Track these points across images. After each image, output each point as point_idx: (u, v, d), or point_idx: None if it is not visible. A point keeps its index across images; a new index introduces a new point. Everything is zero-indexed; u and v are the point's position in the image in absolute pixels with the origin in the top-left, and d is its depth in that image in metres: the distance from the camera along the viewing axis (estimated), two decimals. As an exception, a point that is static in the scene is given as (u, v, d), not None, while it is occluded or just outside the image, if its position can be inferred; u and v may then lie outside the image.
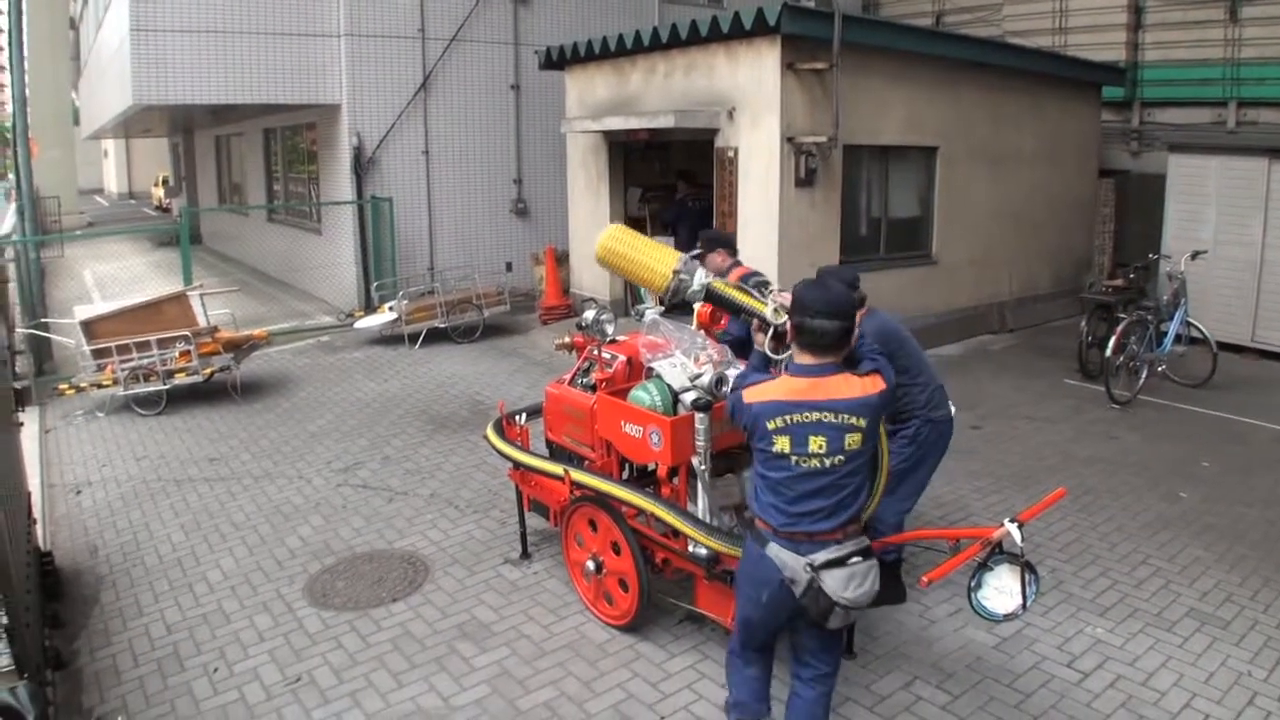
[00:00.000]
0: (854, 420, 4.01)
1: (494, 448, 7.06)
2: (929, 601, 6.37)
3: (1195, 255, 12.44)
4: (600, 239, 5.91)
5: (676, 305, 5.87)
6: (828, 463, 4.00)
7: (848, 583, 4.03)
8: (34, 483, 8.77)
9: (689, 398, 5.55)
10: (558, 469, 6.37)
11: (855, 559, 4.07)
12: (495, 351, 13.96)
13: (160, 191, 40.62)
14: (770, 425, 4.01)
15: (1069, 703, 5.28)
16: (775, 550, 4.08)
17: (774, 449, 4.03)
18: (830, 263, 12.15)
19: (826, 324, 4.00)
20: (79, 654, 6.07)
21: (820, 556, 4.02)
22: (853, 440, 4.02)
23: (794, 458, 4.00)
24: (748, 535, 4.32)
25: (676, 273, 5.51)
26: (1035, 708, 5.24)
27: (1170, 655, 5.74)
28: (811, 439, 3.98)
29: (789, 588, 4.06)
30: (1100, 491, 8.41)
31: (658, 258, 5.66)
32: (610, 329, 6.69)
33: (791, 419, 3.99)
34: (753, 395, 4.10)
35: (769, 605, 4.18)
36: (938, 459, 6.46)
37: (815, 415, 3.99)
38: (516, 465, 6.90)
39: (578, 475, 6.20)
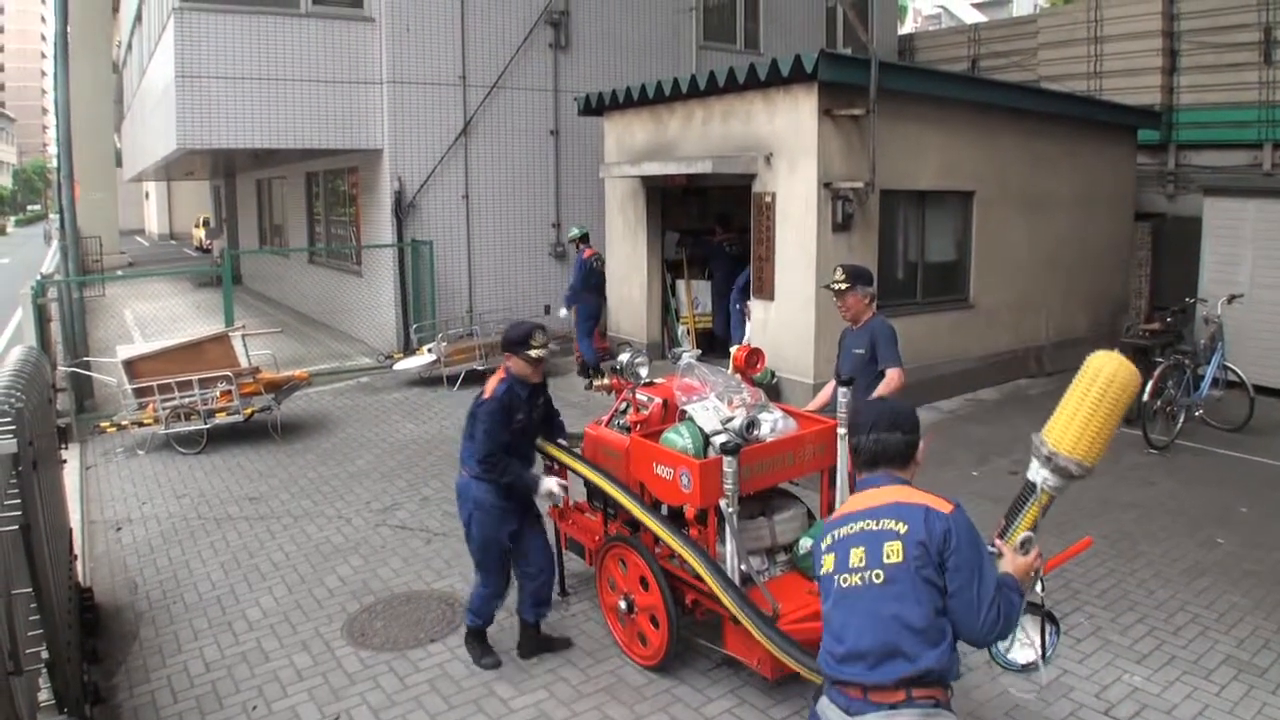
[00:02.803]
0: (895, 525, 3.37)
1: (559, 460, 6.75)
2: (964, 649, 6.32)
3: (1232, 299, 12.39)
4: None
5: None
6: (865, 578, 3.34)
7: None
8: (74, 519, 8.85)
9: (718, 440, 5.59)
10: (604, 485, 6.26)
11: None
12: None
13: (201, 233, 41.09)
14: (824, 543, 3.55)
15: (1106, 750, 5.26)
16: (825, 706, 3.38)
17: (822, 570, 3.51)
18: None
19: (885, 439, 3.61)
20: (118, 690, 6.13)
21: (871, 718, 3.24)
22: (893, 552, 3.32)
23: (838, 577, 3.42)
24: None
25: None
26: (1072, 755, 5.22)
27: (1207, 703, 5.71)
28: (854, 551, 3.40)
29: None
30: (1138, 537, 8.37)
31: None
32: (644, 371, 6.75)
33: (841, 532, 3.48)
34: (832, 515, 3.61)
35: None
36: None
37: (859, 525, 3.44)
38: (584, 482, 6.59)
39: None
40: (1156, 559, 7.91)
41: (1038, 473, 4.22)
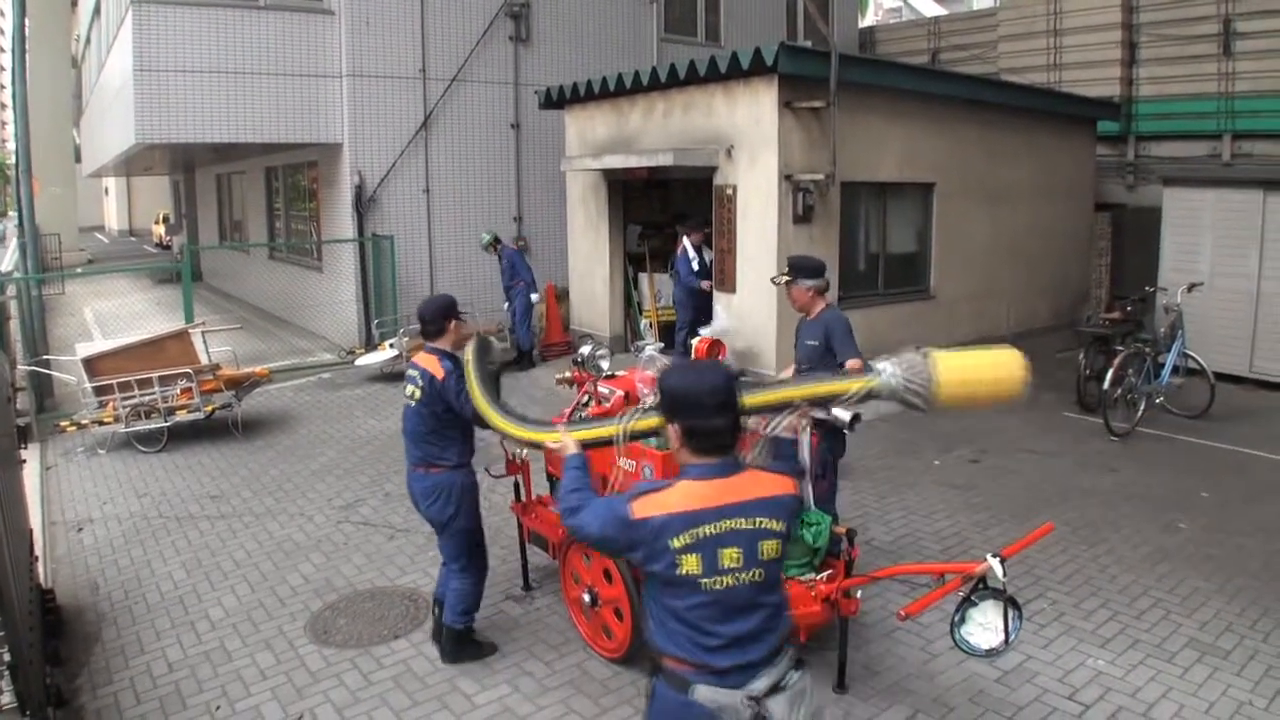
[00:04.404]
0: (771, 524, 3.38)
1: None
2: (930, 635, 6.38)
3: (1192, 287, 12.47)
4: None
5: None
6: (743, 578, 3.34)
7: (792, 707, 3.40)
8: (35, 520, 8.76)
9: None
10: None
11: (792, 677, 3.45)
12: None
13: (161, 229, 40.70)
14: (676, 544, 3.29)
15: (1070, 735, 5.30)
16: (704, 693, 3.33)
17: (679, 571, 3.30)
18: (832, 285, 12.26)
19: (721, 422, 3.40)
20: (80, 692, 6.07)
21: (760, 685, 3.35)
22: (770, 549, 3.38)
23: (705, 580, 3.30)
24: (657, 681, 3.48)
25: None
26: (1036, 740, 5.25)
27: (1171, 686, 5.75)
28: (724, 553, 3.30)
29: None
30: (1100, 523, 8.42)
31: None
32: (606, 364, 6.74)
33: (701, 533, 3.30)
34: (647, 508, 3.34)
35: None
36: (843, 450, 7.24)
37: (727, 524, 3.32)
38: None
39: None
40: (1118, 544, 7.96)
41: (892, 372, 4.19)
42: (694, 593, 3.30)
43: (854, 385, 4.25)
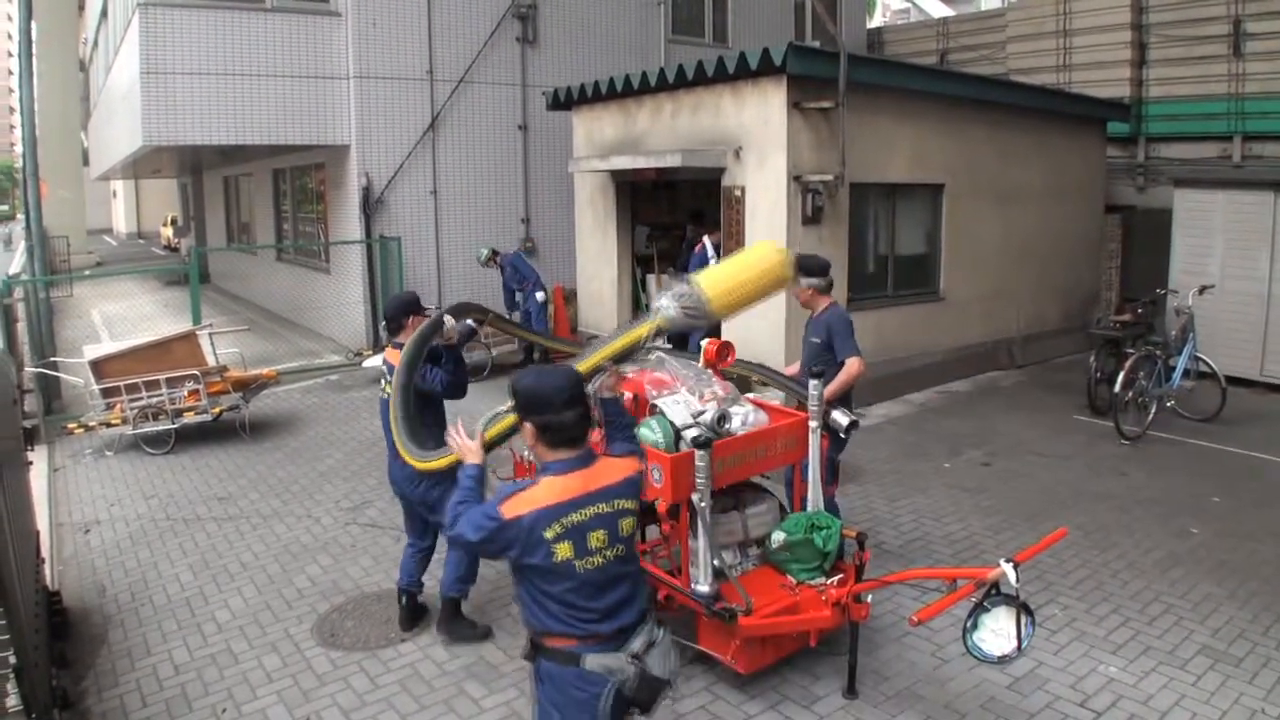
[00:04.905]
0: (625, 504, 3.82)
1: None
2: (941, 640, 6.33)
3: (1203, 290, 12.42)
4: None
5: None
6: (611, 555, 3.75)
7: (664, 660, 3.90)
8: (42, 522, 8.74)
9: (690, 435, 5.54)
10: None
11: (659, 634, 3.93)
12: (501, 391, 13.88)
13: (169, 231, 40.79)
14: (549, 534, 3.61)
15: (1083, 742, 5.25)
16: (594, 661, 3.73)
17: (556, 560, 3.63)
18: (836, 297, 12.20)
19: (571, 416, 3.73)
20: (86, 694, 6.04)
21: (638, 644, 3.81)
22: (627, 525, 3.82)
23: (578, 562, 3.67)
24: (542, 662, 3.84)
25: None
26: (1049, 747, 5.20)
27: (1184, 694, 5.71)
28: (592, 536, 3.69)
29: (620, 690, 3.78)
30: (1112, 528, 8.37)
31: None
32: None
33: (570, 521, 3.65)
34: (518, 508, 3.65)
35: (607, 717, 3.79)
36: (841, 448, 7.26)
37: (591, 509, 3.70)
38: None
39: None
40: (1130, 550, 7.91)
41: (669, 305, 4.69)
42: (570, 576, 3.66)
43: (644, 330, 4.74)
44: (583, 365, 4.77)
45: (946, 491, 9.44)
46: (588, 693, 3.73)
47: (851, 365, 7.12)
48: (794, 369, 7.58)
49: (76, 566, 8.13)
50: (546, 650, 3.78)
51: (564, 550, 3.62)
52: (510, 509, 3.61)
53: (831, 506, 7.17)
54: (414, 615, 6.86)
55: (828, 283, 7.39)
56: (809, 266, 7.37)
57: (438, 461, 5.13)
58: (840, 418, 6.59)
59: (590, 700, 3.73)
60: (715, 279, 4.71)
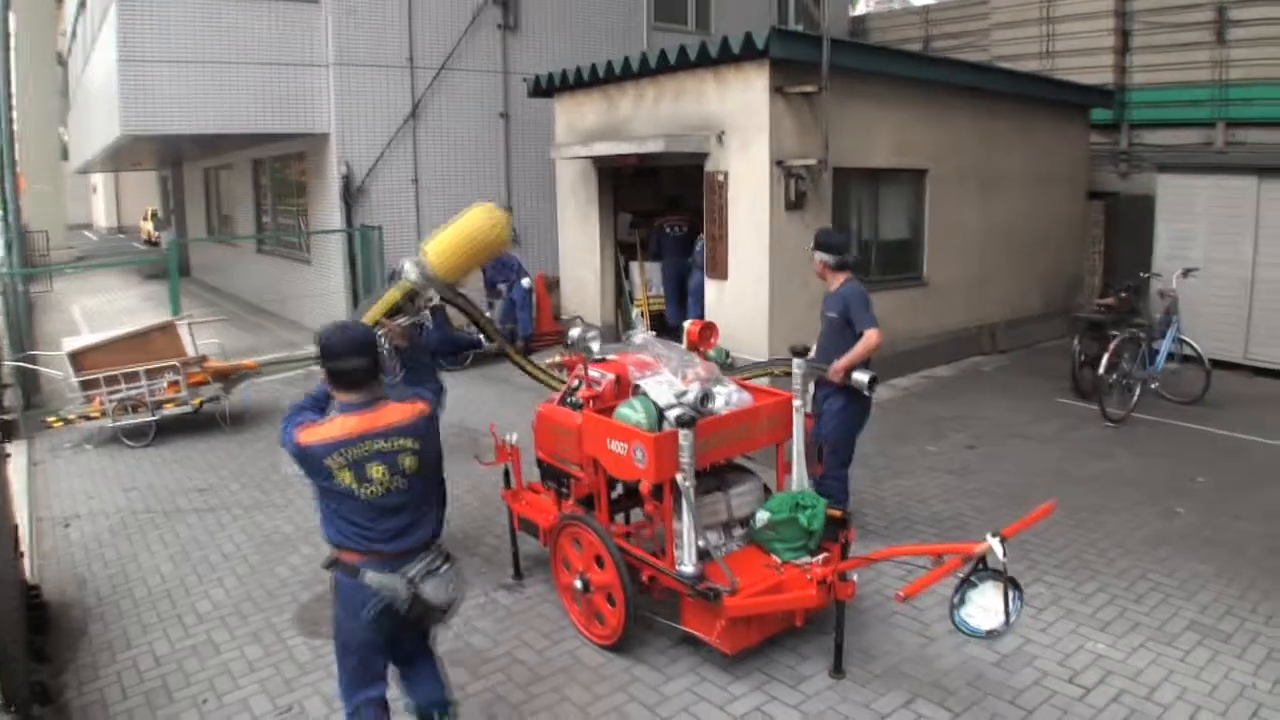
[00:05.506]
0: (407, 443, 4.35)
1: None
2: (927, 619, 6.31)
3: (1187, 273, 12.42)
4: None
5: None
6: (391, 486, 4.30)
7: (442, 588, 4.42)
8: (21, 516, 8.68)
9: (673, 414, 5.51)
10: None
11: (443, 567, 4.46)
12: (485, 379, 13.85)
13: (149, 225, 40.51)
14: (330, 463, 4.21)
15: (1073, 718, 5.22)
16: (372, 576, 4.29)
17: (337, 484, 4.24)
18: (819, 283, 12.18)
19: (357, 362, 4.32)
20: (66, 688, 5.97)
21: (415, 569, 4.35)
22: (409, 462, 4.36)
23: (359, 489, 4.24)
24: (337, 572, 4.42)
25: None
26: (1038, 724, 5.17)
27: (1173, 669, 5.68)
28: (371, 467, 4.25)
29: (393, 607, 4.33)
30: (1097, 508, 8.36)
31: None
32: (596, 346, 6.69)
33: (350, 454, 4.23)
34: (308, 437, 4.26)
35: (376, 628, 4.37)
36: (863, 422, 7.52)
37: (371, 445, 4.26)
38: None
39: None
40: (1115, 529, 7.90)
41: (410, 269, 5.45)
42: (352, 499, 4.26)
43: (397, 294, 5.44)
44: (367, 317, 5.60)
45: (931, 474, 9.42)
46: (361, 602, 4.30)
47: (870, 336, 7.17)
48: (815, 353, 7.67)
49: (56, 560, 8.03)
50: (339, 563, 4.39)
51: (345, 477, 4.22)
52: (305, 437, 4.25)
53: (842, 489, 7.42)
54: None
55: (838, 261, 7.48)
56: (824, 242, 7.53)
57: (373, 311, 5.87)
58: (860, 375, 6.94)
59: (362, 609, 4.31)
60: (437, 245, 5.33)
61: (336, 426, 4.28)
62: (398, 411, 4.41)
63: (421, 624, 4.56)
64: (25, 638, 5.84)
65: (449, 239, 5.34)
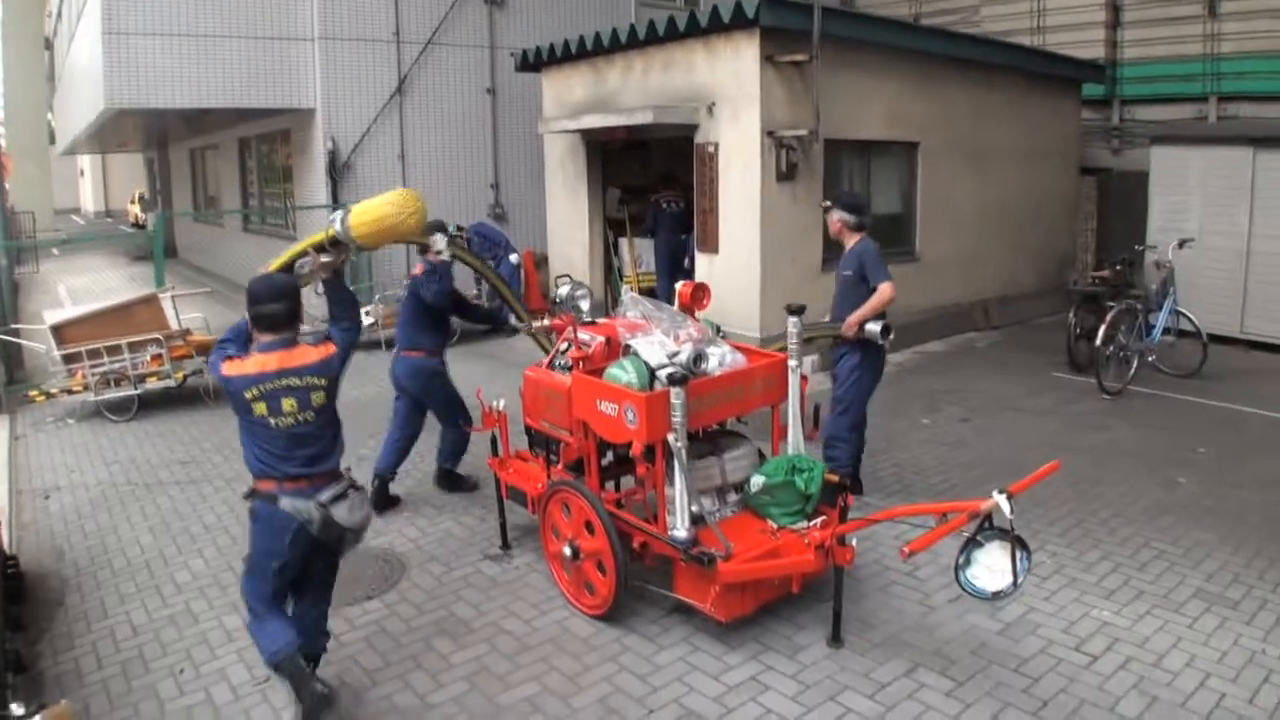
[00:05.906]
0: (316, 380, 4.81)
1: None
2: (929, 589, 6.17)
3: (1183, 244, 12.29)
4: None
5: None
6: (301, 419, 4.75)
7: (351, 512, 4.90)
8: (1, 489, 8.58)
9: (665, 374, 5.35)
10: None
11: (351, 492, 4.96)
12: (473, 355, 13.69)
13: (137, 208, 40.32)
14: (248, 395, 4.68)
15: (1080, 686, 5.08)
16: (287, 502, 4.74)
17: (254, 415, 4.71)
18: (811, 255, 12.04)
19: (276, 307, 4.78)
20: (41, 657, 5.84)
21: (326, 495, 4.82)
22: (318, 398, 4.82)
23: (272, 420, 4.71)
24: (255, 501, 4.88)
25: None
26: (1045, 692, 5.03)
27: (1181, 636, 5.55)
28: (284, 401, 4.71)
29: (307, 529, 4.76)
30: (1097, 479, 8.23)
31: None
32: (586, 305, 6.60)
33: (265, 388, 4.69)
34: (230, 370, 4.74)
35: (293, 550, 4.80)
36: (876, 380, 7.76)
37: (284, 382, 4.71)
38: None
39: None
40: (1116, 499, 7.77)
41: (338, 220, 5.45)
42: (267, 430, 4.73)
43: (319, 236, 5.54)
44: (274, 264, 5.96)
45: (926, 447, 9.29)
46: (279, 525, 4.75)
47: (884, 290, 7.29)
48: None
49: (35, 532, 7.91)
50: (257, 492, 4.86)
51: (260, 409, 4.69)
52: (228, 370, 4.73)
53: (848, 452, 7.67)
54: (384, 499, 7.93)
55: (856, 221, 7.67)
56: (845, 201, 7.82)
57: (278, 260, 6.19)
58: (873, 325, 7.16)
59: (279, 532, 4.76)
60: (359, 210, 5.43)
61: (253, 363, 4.73)
62: (311, 352, 4.84)
63: (332, 546, 4.94)
64: (1, 607, 5.69)
65: (368, 211, 5.41)
